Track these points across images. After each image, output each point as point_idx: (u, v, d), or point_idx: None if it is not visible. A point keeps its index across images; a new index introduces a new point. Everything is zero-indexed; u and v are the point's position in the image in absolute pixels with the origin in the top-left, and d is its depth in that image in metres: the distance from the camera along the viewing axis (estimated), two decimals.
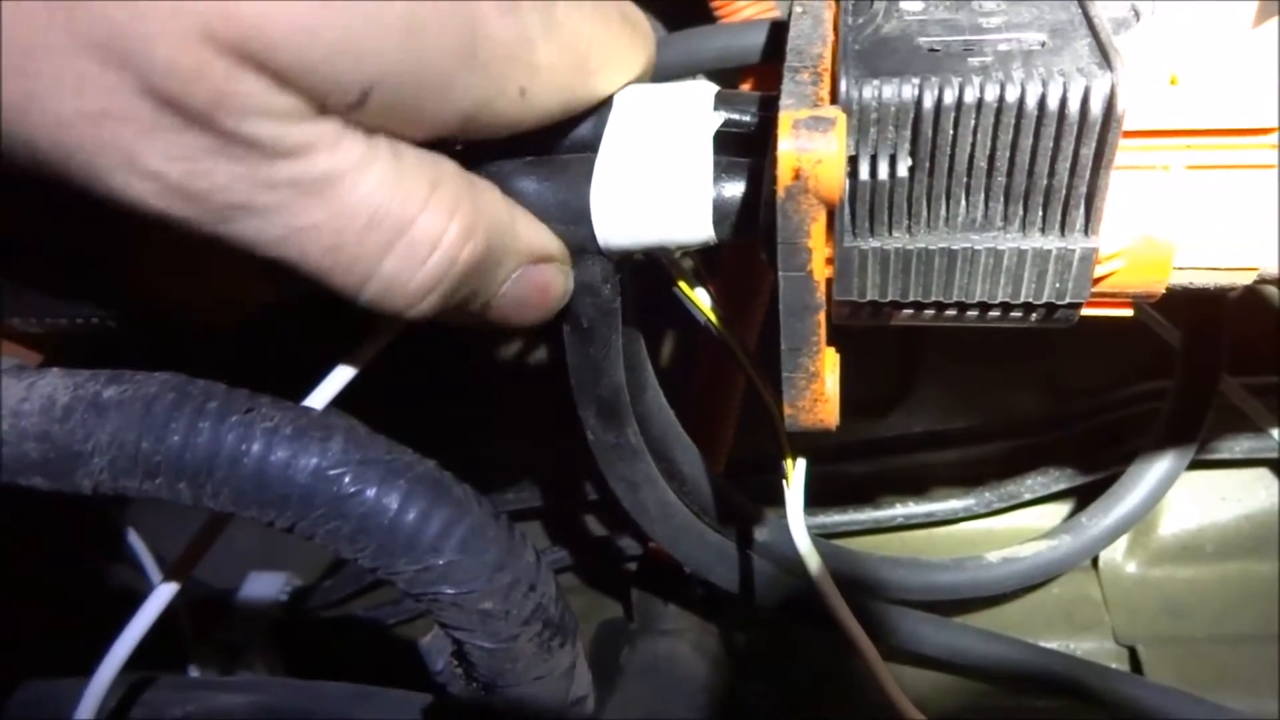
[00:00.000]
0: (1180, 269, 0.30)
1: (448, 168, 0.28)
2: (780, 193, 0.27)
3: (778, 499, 0.39)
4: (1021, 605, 0.66)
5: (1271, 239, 0.29)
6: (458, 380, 0.70)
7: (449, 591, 0.32)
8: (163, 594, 0.36)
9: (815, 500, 0.68)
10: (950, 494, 0.67)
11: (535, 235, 0.31)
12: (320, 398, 0.34)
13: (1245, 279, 0.30)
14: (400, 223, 0.26)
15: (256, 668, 0.68)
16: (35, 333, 0.36)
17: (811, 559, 0.38)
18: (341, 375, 0.35)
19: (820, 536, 0.64)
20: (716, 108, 0.33)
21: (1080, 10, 0.29)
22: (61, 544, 0.65)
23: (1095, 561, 0.67)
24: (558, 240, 0.32)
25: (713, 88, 0.34)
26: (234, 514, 0.30)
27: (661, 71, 0.48)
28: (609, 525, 0.70)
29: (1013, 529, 0.67)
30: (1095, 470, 0.64)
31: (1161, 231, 0.29)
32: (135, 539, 0.65)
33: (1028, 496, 0.66)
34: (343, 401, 0.34)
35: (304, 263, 0.26)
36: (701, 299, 0.38)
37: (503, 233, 0.30)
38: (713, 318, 0.38)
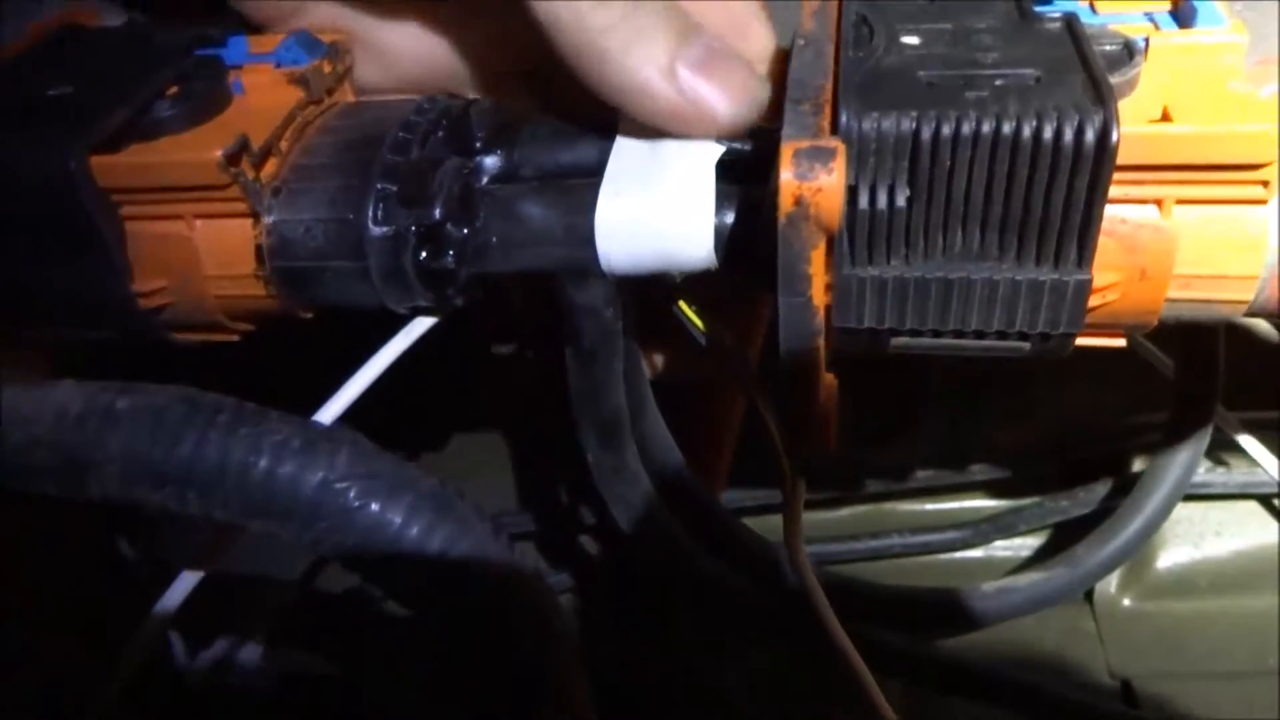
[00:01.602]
0: (1172, 301, 0.31)
1: None
2: (781, 220, 0.27)
3: (775, 524, 0.39)
4: (1016, 636, 0.66)
5: (1261, 272, 0.30)
6: (457, 401, 0.70)
7: None
8: (187, 580, 0.36)
9: (812, 528, 0.68)
10: (946, 524, 0.67)
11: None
12: (330, 412, 0.34)
13: (1237, 312, 0.31)
14: None
15: (263, 651, 0.67)
16: (45, 344, 0.37)
17: (809, 582, 0.39)
18: (351, 390, 0.35)
19: (817, 564, 0.64)
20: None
21: (1074, 47, 0.30)
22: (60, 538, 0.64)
23: (1090, 595, 0.67)
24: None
25: None
26: (242, 524, 0.31)
27: None
28: (608, 548, 0.70)
29: (1008, 559, 0.67)
30: (1091, 502, 0.64)
31: (1154, 265, 0.30)
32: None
33: (1023, 527, 0.66)
34: (347, 420, 0.35)
35: None
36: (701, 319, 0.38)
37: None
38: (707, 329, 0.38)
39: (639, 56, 0.32)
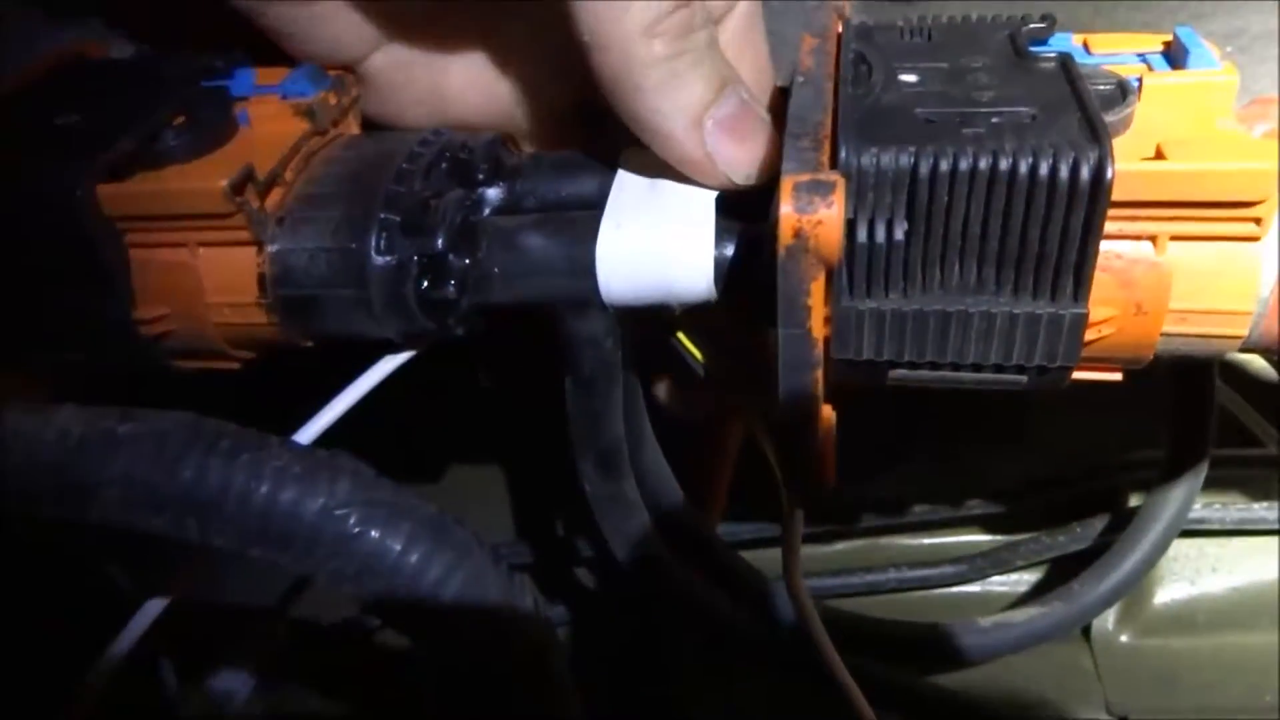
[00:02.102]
0: (1167, 336, 0.31)
1: None
2: (781, 252, 0.28)
3: (773, 557, 0.39)
4: (1013, 672, 0.65)
5: (1255, 308, 0.30)
6: (456, 431, 0.70)
7: None
8: (150, 610, 0.36)
9: (808, 562, 0.68)
10: (943, 559, 0.67)
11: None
12: (308, 433, 0.35)
13: (1232, 347, 0.31)
14: None
15: (248, 679, 0.67)
16: (48, 369, 0.37)
17: (808, 613, 0.39)
18: (331, 412, 0.36)
19: (813, 598, 0.64)
20: None
21: (1069, 87, 0.31)
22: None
23: (1087, 631, 0.67)
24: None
25: None
26: (240, 551, 0.30)
27: None
28: (604, 580, 0.70)
29: (1004, 595, 0.67)
30: (1087, 538, 0.64)
31: (1149, 300, 0.30)
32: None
33: (1020, 563, 0.66)
34: (348, 448, 0.35)
35: None
36: (699, 351, 0.39)
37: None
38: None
39: (673, 101, 0.32)
